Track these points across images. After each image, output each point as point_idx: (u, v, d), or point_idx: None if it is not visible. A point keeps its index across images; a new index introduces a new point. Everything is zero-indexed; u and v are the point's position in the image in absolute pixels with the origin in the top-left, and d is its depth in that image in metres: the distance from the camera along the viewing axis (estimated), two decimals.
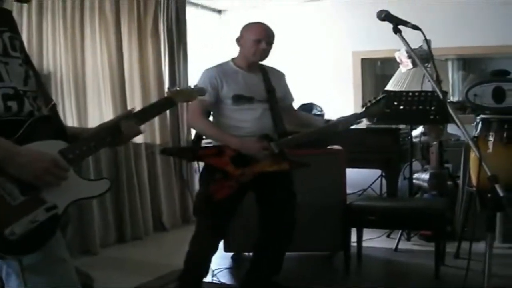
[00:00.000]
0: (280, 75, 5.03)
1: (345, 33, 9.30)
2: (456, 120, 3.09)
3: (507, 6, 8.77)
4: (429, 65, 6.50)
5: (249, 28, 4.73)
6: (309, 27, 9.68)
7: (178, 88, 3.28)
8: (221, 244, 6.02)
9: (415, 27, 3.40)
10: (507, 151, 5.60)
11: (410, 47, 3.44)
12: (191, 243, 4.74)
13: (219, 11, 10.29)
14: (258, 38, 4.64)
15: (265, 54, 4.72)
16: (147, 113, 2.94)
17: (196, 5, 9.60)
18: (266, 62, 4.90)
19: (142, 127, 2.81)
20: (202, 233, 4.71)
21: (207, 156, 4.56)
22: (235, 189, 4.46)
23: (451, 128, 7.21)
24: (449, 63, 10.06)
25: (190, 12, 8.94)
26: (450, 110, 3.16)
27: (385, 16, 3.53)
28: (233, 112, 4.61)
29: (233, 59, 4.82)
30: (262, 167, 4.51)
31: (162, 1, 7.79)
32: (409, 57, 6.49)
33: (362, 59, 9.32)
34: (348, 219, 5.68)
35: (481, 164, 2.92)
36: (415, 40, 4.09)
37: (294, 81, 9.03)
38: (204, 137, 4.77)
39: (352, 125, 4.83)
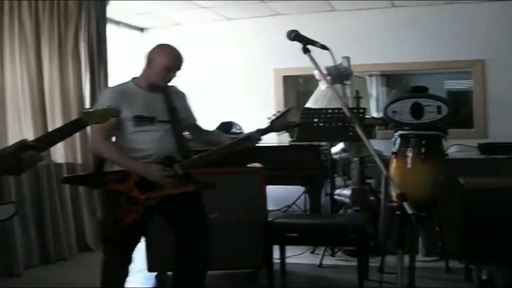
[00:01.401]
0: (182, 94, 4.90)
1: (267, 51, 9.34)
2: (363, 138, 3.14)
3: (429, 23, 8.93)
4: (349, 82, 6.59)
5: (161, 53, 4.59)
6: (231, 44, 9.70)
7: (91, 110, 3.24)
8: (145, 264, 5.99)
9: (323, 47, 3.45)
10: (425, 166, 5.67)
11: (319, 68, 3.48)
12: (102, 271, 4.59)
13: (141, 29, 10.25)
14: (170, 65, 4.54)
15: (171, 80, 4.65)
16: (53, 137, 2.89)
17: (118, 23, 9.55)
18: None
19: (62, 146, 2.76)
20: (112, 260, 4.58)
21: (111, 182, 4.41)
22: (141, 213, 4.38)
23: (373, 144, 7.26)
24: (374, 79, 10.15)
25: (112, 31, 8.89)
26: (357, 128, 3.23)
27: (294, 36, 3.57)
28: (134, 134, 4.47)
29: (133, 79, 4.70)
30: (167, 191, 4.42)
31: (83, 21, 7.71)
32: (329, 74, 6.53)
33: (284, 77, 9.36)
34: (269, 236, 5.67)
35: (387, 181, 2.92)
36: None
37: (215, 99, 9.13)
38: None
39: (258, 140, 4.74)
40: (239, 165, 6.01)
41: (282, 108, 8.64)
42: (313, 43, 3.49)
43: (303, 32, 3.72)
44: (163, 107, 4.60)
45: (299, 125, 4.86)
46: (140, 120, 4.43)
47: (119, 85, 4.68)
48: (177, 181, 4.47)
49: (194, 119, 4.97)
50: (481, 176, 6.37)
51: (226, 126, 7.71)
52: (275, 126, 4.72)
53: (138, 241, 4.66)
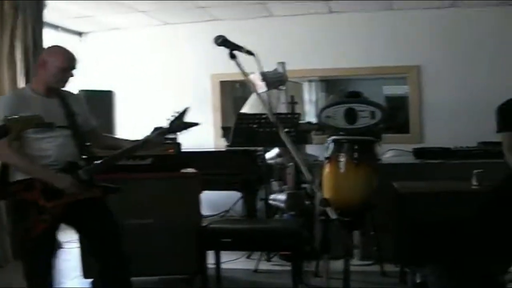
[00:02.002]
0: (79, 99, 4.83)
1: (204, 56, 9.26)
2: (287, 143, 3.14)
3: (366, 29, 9.01)
4: (284, 87, 6.59)
5: (54, 54, 4.48)
6: (169, 49, 9.66)
7: (16, 116, 3.18)
8: (80, 271, 5.91)
9: (249, 53, 3.45)
10: (358, 171, 5.70)
11: (245, 73, 3.47)
12: (27, 282, 4.49)
13: (80, 33, 10.15)
14: (65, 66, 4.45)
15: (68, 81, 4.55)
16: None
17: (56, 27, 9.44)
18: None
19: None
20: (32, 272, 4.49)
21: (20, 192, 4.31)
22: (50, 222, 4.30)
23: (310, 149, 7.29)
24: (313, 85, 10.20)
25: (50, 35, 8.77)
26: (281, 133, 3.22)
27: (221, 41, 3.56)
28: (35, 142, 4.35)
29: (29, 85, 4.61)
30: (73, 197, 4.34)
31: (19, 24, 7.55)
32: (263, 80, 6.53)
33: (221, 82, 9.34)
34: (203, 241, 5.63)
35: (312, 187, 2.93)
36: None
37: (152, 104, 9.08)
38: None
39: (159, 141, 4.71)
40: (174, 171, 5.97)
41: (219, 114, 8.72)
42: (239, 48, 3.49)
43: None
44: (61, 112, 4.49)
45: (197, 124, 4.79)
46: (39, 126, 4.31)
47: (15, 92, 4.59)
48: (82, 187, 4.39)
49: (93, 124, 4.87)
50: (416, 181, 6.44)
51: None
52: (174, 126, 4.67)
53: (53, 247, 4.55)
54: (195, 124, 4.67)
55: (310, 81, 10.07)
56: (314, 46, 9.17)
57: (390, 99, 10.00)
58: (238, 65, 3.44)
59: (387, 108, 9.64)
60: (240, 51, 3.44)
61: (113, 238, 4.56)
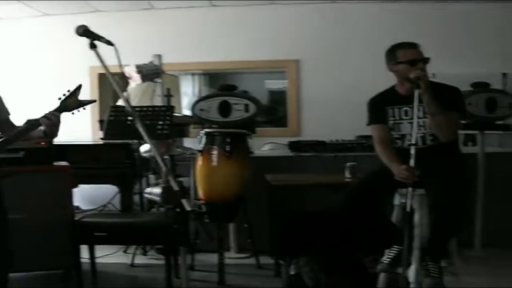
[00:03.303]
0: None
1: (84, 48, 9.08)
2: (144, 136, 3.14)
3: (248, 23, 9.05)
4: (160, 80, 6.55)
5: None
6: (48, 41, 9.45)
7: None
8: None
9: (108, 43, 3.42)
10: (230, 164, 5.74)
11: (104, 64, 3.44)
12: None
13: None
14: None
15: None
16: None
17: None
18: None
19: None
20: None
21: None
22: None
23: (187, 142, 7.27)
24: (196, 78, 10.19)
25: None
26: (138, 125, 3.21)
27: (83, 31, 3.52)
28: None
29: None
30: None
31: None
32: (139, 72, 6.48)
33: (100, 74, 9.19)
34: (76, 236, 5.55)
35: (167, 178, 2.93)
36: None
37: (28, 96, 8.88)
38: None
39: (52, 121, 4.50)
40: (46, 164, 5.85)
41: (97, 107, 8.59)
42: (99, 38, 3.46)
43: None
44: None
45: (93, 102, 4.66)
46: None
47: None
48: None
49: (5, 114, 4.71)
50: (291, 173, 6.51)
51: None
52: (67, 105, 4.52)
53: None
54: (92, 101, 4.57)
55: (193, 74, 10.04)
56: (197, 39, 9.12)
57: (272, 93, 10.09)
58: (99, 55, 3.40)
59: (270, 102, 9.81)
60: (100, 40, 3.40)
61: None
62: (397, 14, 8.86)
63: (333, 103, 8.82)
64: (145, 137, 3.22)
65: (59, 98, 4.42)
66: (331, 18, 8.99)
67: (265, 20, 9.02)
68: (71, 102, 4.42)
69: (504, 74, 8.96)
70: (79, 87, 4.44)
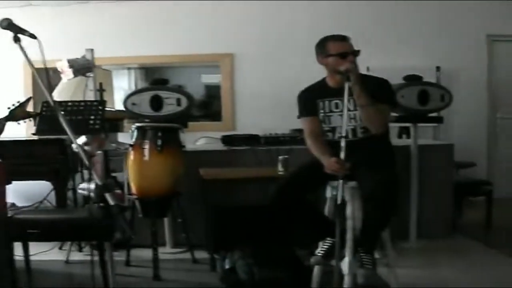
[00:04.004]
0: None
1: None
2: (66, 129, 3.12)
3: (184, 17, 9.04)
4: (92, 75, 6.50)
5: None
6: None
7: None
8: None
9: (32, 36, 3.39)
10: (162, 158, 5.73)
11: (27, 57, 3.41)
12: None
13: None
14: None
15: None
16: None
17: None
18: None
19: None
20: None
21: None
22: None
23: (122, 137, 7.23)
24: (132, 72, 10.13)
25: None
26: (60, 118, 3.19)
27: (7, 25, 3.48)
28: None
29: None
30: None
31: None
32: (71, 66, 6.40)
33: (36, 69, 9.05)
34: (8, 233, 5.47)
35: (90, 172, 2.91)
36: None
37: None
38: None
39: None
40: None
41: (31, 101, 8.48)
42: (23, 32, 3.42)
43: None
44: None
45: (39, 114, 4.72)
46: None
47: None
48: None
49: None
50: (224, 167, 6.51)
51: None
52: (14, 115, 4.57)
53: None
54: (38, 114, 4.57)
55: (129, 68, 9.99)
56: (133, 33, 9.10)
57: (208, 87, 10.09)
58: (22, 49, 3.37)
59: (206, 96, 9.80)
60: (24, 34, 3.37)
61: None
62: (331, 7, 8.94)
63: (268, 97, 8.88)
64: (69, 132, 3.19)
65: (8, 108, 4.46)
66: (265, 12, 9.02)
67: (201, 14, 9.03)
68: (19, 112, 4.50)
69: (438, 68, 9.11)
70: (29, 99, 4.52)
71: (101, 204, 3.89)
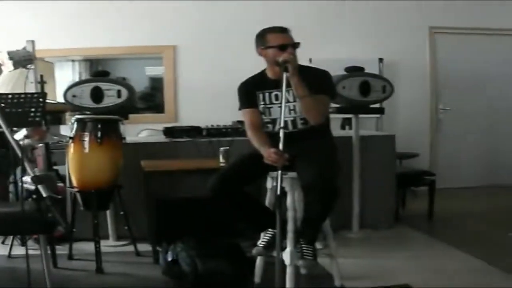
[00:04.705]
0: None
1: None
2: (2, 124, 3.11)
3: (127, 8, 9.00)
4: (32, 66, 6.45)
5: None
6: None
7: None
8: None
9: None
10: (103, 150, 5.70)
11: None
12: None
13: None
14: None
15: None
16: None
17: None
18: None
19: None
20: None
21: None
22: None
23: (64, 129, 7.19)
24: (76, 64, 10.06)
25: None
26: None
27: None
28: None
29: None
30: None
31: None
32: (10, 58, 6.36)
33: None
34: None
35: (23, 166, 2.90)
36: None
37: None
38: None
39: None
40: None
41: None
42: None
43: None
44: None
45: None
46: None
47: None
48: None
49: None
50: (166, 159, 6.51)
51: None
52: None
53: None
54: None
55: (73, 61, 9.91)
56: (77, 25, 9.04)
57: (152, 79, 10.07)
58: None
59: (150, 88, 9.78)
60: None
61: None
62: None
63: (211, 89, 8.91)
64: (2, 124, 3.16)
65: None
66: (207, 4, 9.03)
67: (143, 5, 8.99)
68: None
69: (381, 59, 9.19)
70: None
71: (34, 196, 3.84)
